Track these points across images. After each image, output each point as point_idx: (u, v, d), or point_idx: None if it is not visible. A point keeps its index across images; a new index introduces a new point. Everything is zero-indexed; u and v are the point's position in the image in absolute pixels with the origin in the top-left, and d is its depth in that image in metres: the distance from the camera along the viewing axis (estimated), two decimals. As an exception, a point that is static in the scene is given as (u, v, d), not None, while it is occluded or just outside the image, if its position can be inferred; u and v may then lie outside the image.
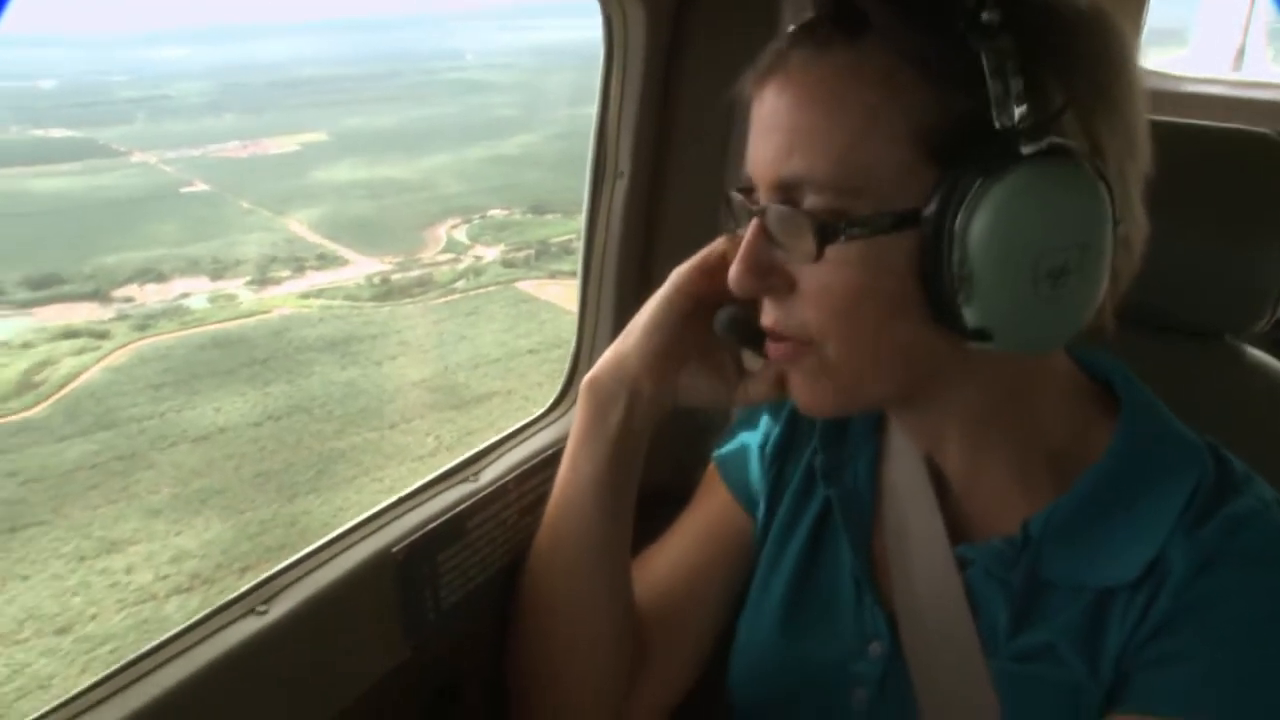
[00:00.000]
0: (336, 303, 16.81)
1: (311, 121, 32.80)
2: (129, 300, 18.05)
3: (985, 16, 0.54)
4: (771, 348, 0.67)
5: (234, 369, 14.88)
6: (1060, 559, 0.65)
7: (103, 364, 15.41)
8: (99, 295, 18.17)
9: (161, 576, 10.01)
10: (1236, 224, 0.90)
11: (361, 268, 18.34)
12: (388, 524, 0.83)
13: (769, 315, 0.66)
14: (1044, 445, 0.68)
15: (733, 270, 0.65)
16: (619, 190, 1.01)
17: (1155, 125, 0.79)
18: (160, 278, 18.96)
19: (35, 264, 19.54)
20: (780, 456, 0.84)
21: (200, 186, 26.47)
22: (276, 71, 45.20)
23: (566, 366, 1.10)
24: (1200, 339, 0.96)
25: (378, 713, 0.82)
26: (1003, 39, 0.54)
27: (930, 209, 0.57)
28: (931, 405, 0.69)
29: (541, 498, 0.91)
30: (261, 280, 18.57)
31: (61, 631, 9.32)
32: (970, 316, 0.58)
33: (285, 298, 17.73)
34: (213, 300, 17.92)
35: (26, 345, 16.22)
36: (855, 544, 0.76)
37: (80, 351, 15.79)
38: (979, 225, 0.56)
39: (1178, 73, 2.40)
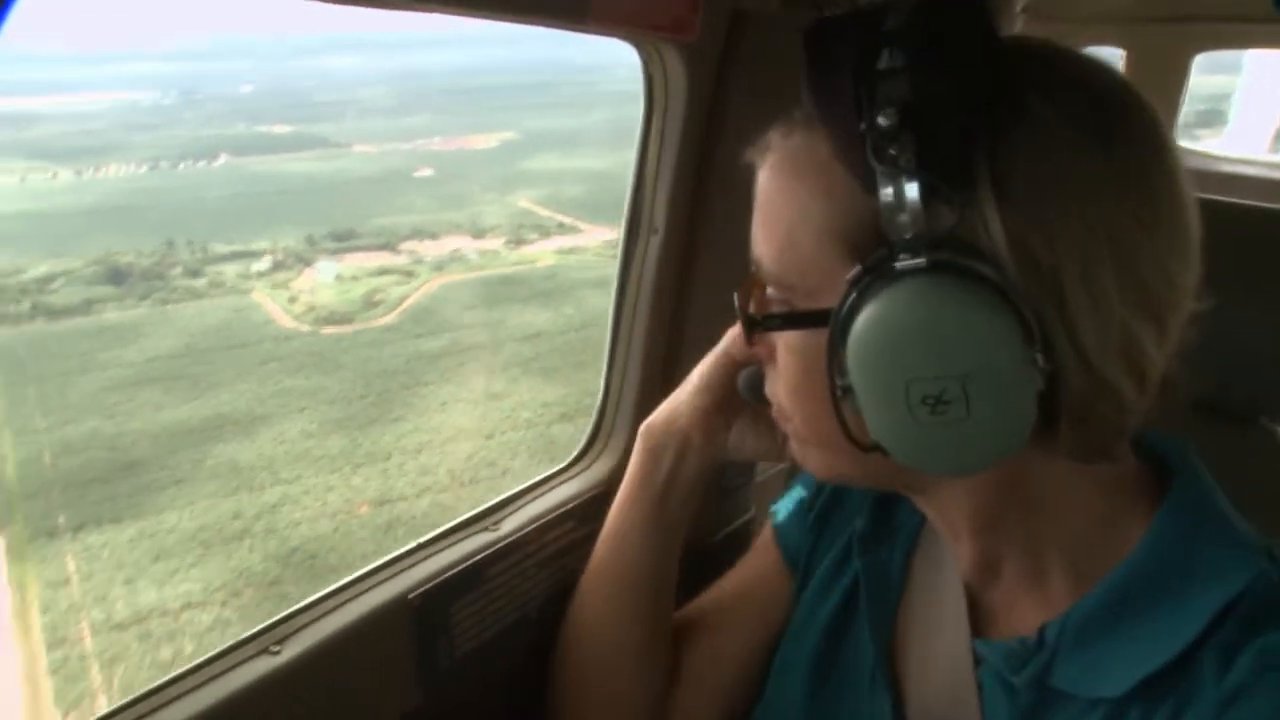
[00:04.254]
0: (588, 258, 21.40)
1: (499, 124, 37.91)
2: (412, 252, 22.98)
3: (882, 121, 0.48)
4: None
5: (526, 298, 19.56)
6: (1073, 666, 0.58)
7: (420, 292, 20.30)
8: (389, 247, 23.19)
9: (538, 414, 14.50)
10: (1271, 304, 0.87)
11: (594, 235, 22.87)
12: (404, 570, 0.83)
13: (766, 379, 0.67)
14: (1064, 543, 0.61)
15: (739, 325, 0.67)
16: (653, 247, 0.99)
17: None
18: (433, 236, 23.93)
19: (327, 225, 24.62)
20: (824, 518, 0.82)
21: (427, 171, 31.79)
22: (445, 79, 50.97)
23: (591, 422, 1.06)
24: (1235, 421, 0.93)
25: None
26: (903, 139, 0.48)
27: (833, 312, 0.53)
28: (934, 497, 0.64)
29: (563, 550, 0.92)
30: (516, 241, 23.46)
31: (488, 437, 13.92)
32: (868, 426, 0.54)
33: (542, 253, 22.49)
34: (481, 254, 22.79)
35: (354, 278, 21.19)
36: (875, 624, 0.71)
37: (398, 284, 20.72)
38: (852, 340, 0.52)
39: (1215, 153, 2.34)
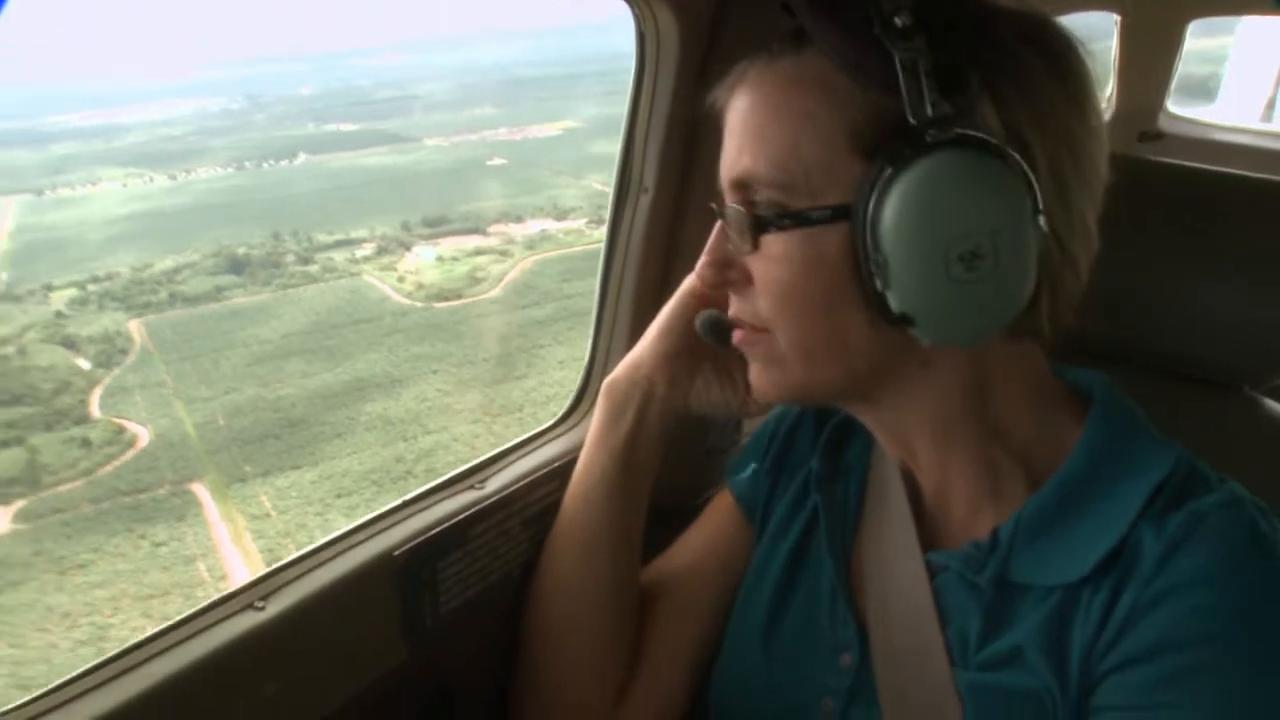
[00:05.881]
0: (668, 231, 22.89)
1: (559, 112, 39.40)
2: (502, 234, 24.60)
3: (898, 21, 0.58)
4: (736, 334, 0.72)
5: (617, 269, 21.04)
6: (1028, 560, 0.66)
7: (518, 268, 21.94)
8: (479, 230, 24.86)
9: (647, 368, 15.99)
10: (1258, 274, 0.87)
11: (671, 210, 24.30)
12: (390, 527, 0.84)
13: (733, 306, 0.71)
14: (1012, 449, 0.69)
15: (698, 264, 0.72)
16: (642, 206, 1.00)
17: (1180, 170, 0.84)
18: (518, 219, 25.54)
19: (418, 213, 26.30)
20: (778, 464, 0.86)
21: (499, 160, 33.43)
22: (500, 72, 52.49)
23: (579, 380, 1.08)
24: (1217, 389, 0.94)
25: (372, 714, 0.82)
26: (916, 40, 0.58)
27: (853, 201, 0.61)
28: (895, 407, 0.71)
29: (547, 509, 0.92)
30: (598, 220, 24.96)
31: (607, 389, 15.44)
32: (893, 302, 0.61)
33: (624, 229, 23.97)
34: (566, 233, 24.39)
35: (454, 259, 22.85)
36: (835, 552, 0.77)
37: (496, 262, 22.37)
38: (889, 212, 0.59)
39: (1206, 120, 2.34)
